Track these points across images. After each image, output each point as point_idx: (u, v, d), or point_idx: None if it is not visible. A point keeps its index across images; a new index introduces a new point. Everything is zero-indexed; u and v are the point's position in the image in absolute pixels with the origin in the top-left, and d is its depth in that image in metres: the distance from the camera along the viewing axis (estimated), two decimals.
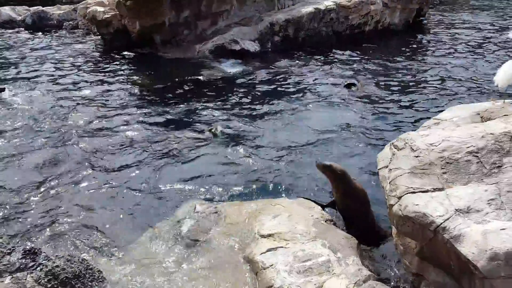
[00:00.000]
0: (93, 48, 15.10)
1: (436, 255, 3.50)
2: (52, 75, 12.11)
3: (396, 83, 11.29)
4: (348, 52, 14.01)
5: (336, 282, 3.84)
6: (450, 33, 16.74)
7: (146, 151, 7.82)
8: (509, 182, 3.58)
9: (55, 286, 3.99)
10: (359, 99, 10.13)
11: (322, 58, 13.42)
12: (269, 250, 4.49)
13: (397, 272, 4.48)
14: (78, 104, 10.01)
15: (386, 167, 4.40)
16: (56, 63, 13.27)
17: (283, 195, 6.31)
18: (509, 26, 17.13)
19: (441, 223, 3.37)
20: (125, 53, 14.00)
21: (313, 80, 11.55)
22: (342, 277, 3.87)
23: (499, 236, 3.11)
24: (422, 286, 3.72)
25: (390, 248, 4.85)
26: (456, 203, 3.49)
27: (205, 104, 9.99)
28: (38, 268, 4.08)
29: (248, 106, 9.95)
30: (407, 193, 3.78)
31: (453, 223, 3.33)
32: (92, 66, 13.00)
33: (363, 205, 5.21)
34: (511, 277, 3.01)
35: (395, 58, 13.54)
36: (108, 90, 10.96)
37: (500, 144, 3.95)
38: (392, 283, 4.27)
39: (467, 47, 14.56)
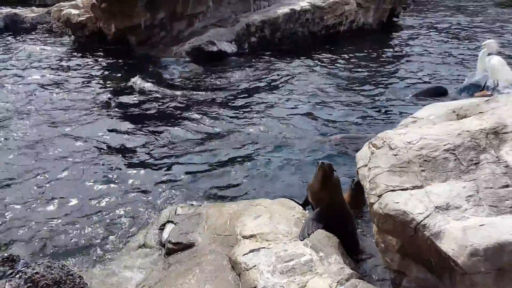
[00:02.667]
0: (66, 50, 14.80)
1: (417, 252, 3.55)
2: (22, 76, 11.82)
3: (372, 83, 11.46)
4: (324, 52, 14.15)
5: (319, 282, 3.84)
6: (423, 32, 17.11)
7: (122, 155, 7.73)
8: (486, 179, 3.65)
9: None
10: (334, 101, 10.21)
11: (299, 59, 13.49)
12: (251, 251, 4.46)
13: (378, 269, 4.53)
14: (46, 104, 9.84)
15: (366, 166, 4.44)
16: (27, 66, 12.95)
17: (264, 195, 6.31)
18: (481, 26, 17.53)
19: (421, 221, 3.42)
20: (98, 57, 13.71)
21: (289, 80, 11.61)
22: (325, 276, 3.88)
23: (478, 232, 3.17)
24: (404, 283, 3.76)
25: (371, 246, 4.91)
26: (435, 200, 3.55)
27: (182, 106, 9.92)
28: (17, 276, 3.97)
29: (223, 106, 9.92)
30: (387, 191, 3.82)
31: (433, 220, 3.38)
32: (65, 68, 12.75)
33: (344, 213, 5.06)
34: (490, 272, 3.08)
35: (370, 57, 13.75)
36: (82, 92, 10.79)
37: (476, 141, 4.03)
38: (374, 281, 4.31)
39: (440, 47, 14.90)
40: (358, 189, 5.64)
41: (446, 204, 3.50)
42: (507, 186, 3.56)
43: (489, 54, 4.92)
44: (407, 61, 13.43)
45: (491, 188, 3.57)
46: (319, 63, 13.11)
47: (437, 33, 16.91)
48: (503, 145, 3.96)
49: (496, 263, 3.07)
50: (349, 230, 5.00)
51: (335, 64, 12.99)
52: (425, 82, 11.24)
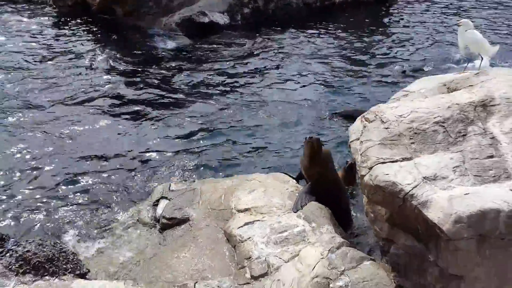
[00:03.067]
0: (49, 22, 14.09)
1: (405, 221, 3.69)
2: (4, 51, 11.38)
3: (366, 56, 11.42)
4: (318, 24, 14.00)
5: (311, 250, 3.99)
6: (420, 4, 16.90)
7: (113, 132, 7.65)
8: (473, 150, 3.78)
9: (28, 271, 3.91)
10: (329, 73, 10.22)
11: (293, 31, 13.36)
12: (246, 224, 4.59)
13: (368, 238, 4.69)
14: (35, 79, 9.54)
15: (358, 139, 4.54)
16: (8, 38, 12.37)
17: (258, 170, 6.39)
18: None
19: (410, 191, 3.56)
20: (81, 29, 13.17)
21: (283, 54, 11.53)
22: (317, 245, 4.03)
23: (463, 201, 3.31)
24: (392, 250, 3.92)
25: (361, 216, 5.06)
26: (424, 172, 3.68)
27: (172, 81, 9.84)
28: (8, 254, 3.96)
29: (216, 81, 9.85)
30: (377, 164, 3.94)
31: (421, 190, 3.52)
32: (49, 41, 12.19)
33: (337, 190, 5.17)
34: (473, 238, 3.24)
35: (365, 30, 13.63)
36: (67, 67, 10.40)
37: (465, 113, 4.14)
38: (364, 249, 4.47)
39: (439, 18, 14.77)
40: (351, 170, 5.81)
41: (434, 175, 3.63)
42: (491, 156, 3.69)
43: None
44: (403, 33, 13.33)
45: (476, 158, 3.70)
46: (314, 35, 13.00)
47: (435, 4, 16.73)
48: (490, 117, 4.08)
49: (478, 229, 3.23)
50: (342, 205, 5.11)
51: (330, 37, 12.89)
52: (419, 57, 11.21)
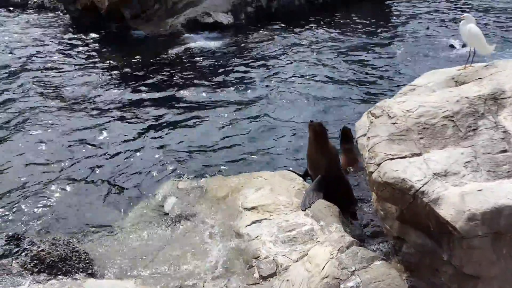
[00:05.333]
0: (60, 27, 14.48)
1: (416, 218, 3.60)
2: (18, 58, 11.60)
3: (370, 51, 11.33)
4: (321, 21, 13.94)
5: (320, 250, 3.92)
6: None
7: (122, 130, 7.71)
8: (484, 144, 3.67)
9: (42, 270, 3.98)
10: (333, 69, 10.14)
11: (296, 28, 13.30)
12: (254, 222, 4.54)
13: (378, 236, 4.61)
14: (46, 87, 9.67)
15: (365, 135, 4.46)
16: (21, 45, 12.63)
17: (265, 168, 6.34)
18: None
19: (420, 187, 3.46)
20: (93, 35, 13.46)
21: (286, 50, 11.48)
22: (326, 244, 3.95)
23: (476, 197, 3.21)
24: (403, 249, 3.83)
25: (370, 214, 4.98)
26: (434, 167, 3.58)
27: (181, 81, 9.86)
28: (23, 254, 4.06)
29: (222, 80, 9.84)
30: (386, 160, 3.85)
31: (432, 187, 3.42)
32: (60, 48, 12.46)
33: (344, 184, 5.16)
34: (487, 236, 3.14)
35: (368, 24, 13.55)
36: (78, 73, 10.57)
37: (475, 107, 4.03)
38: (374, 247, 4.39)
39: (441, 11, 14.65)
40: (347, 140, 5.91)
41: (445, 171, 3.53)
42: (505, 151, 3.58)
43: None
44: (407, 27, 13.24)
45: (489, 153, 3.60)
46: (317, 32, 12.94)
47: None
48: (501, 110, 3.97)
49: (493, 226, 3.13)
50: (351, 200, 5.09)
51: (333, 33, 12.82)
52: (431, 50, 11.09)
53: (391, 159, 3.83)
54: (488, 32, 11.63)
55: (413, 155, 3.81)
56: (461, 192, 3.29)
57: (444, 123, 3.99)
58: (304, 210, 4.55)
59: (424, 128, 4.01)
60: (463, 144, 3.78)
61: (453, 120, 3.99)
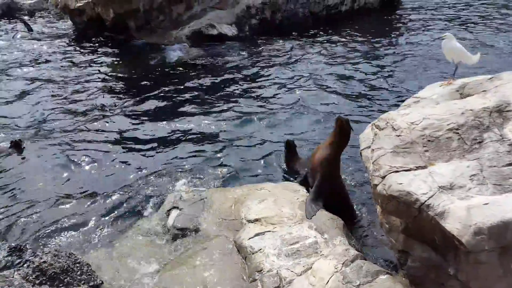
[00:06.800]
0: (66, 38, 14.66)
1: (421, 232, 3.57)
2: (25, 68, 11.73)
3: (373, 63, 11.36)
4: (325, 33, 13.99)
5: (324, 263, 3.88)
6: (425, 10, 16.85)
7: (124, 142, 7.72)
8: (490, 157, 3.64)
9: (44, 282, 3.95)
10: (337, 81, 10.15)
11: (300, 41, 13.35)
12: (257, 234, 4.51)
13: (383, 250, 4.56)
14: (54, 97, 9.76)
15: (369, 147, 4.44)
16: (25, 56, 12.71)
17: (268, 179, 6.32)
18: (492, 4, 17.19)
19: (425, 201, 3.42)
20: (98, 44, 13.60)
21: (291, 63, 11.52)
22: (330, 258, 3.91)
23: (483, 211, 3.17)
24: (409, 262, 3.79)
25: (375, 227, 4.94)
26: (439, 180, 3.55)
27: (185, 92, 9.88)
28: (25, 265, 4.02)
29: (225, 91, 9.86)
30: (390, 173, 3.82)
31: (437, 200, 3.39)
32: (66, 58, 12.61)
33: (341, 188, 5.38)
34: (494, 250, 3.10)
35: (371, 37, 13.59)
36: (83, 81, 10.68)
37: (480, 119, 4.01)
38: (379, 261, 4.34)
39: (443, 24, 14.70)
40: (290, 151, 6.58)
41: (450, 184, 3.50)
42: (511, 164, 3.55)
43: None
44: (410, 39, 13.27)
45: (495, 166, 3.56)
46: (321, 43, 12.98)
47: (442, 10, 16.65)
48: (507, 123, 3.94)
49: (500, 241, 3.09)
50: (349, 203, 5.26)
51: (337, 46, 12.86)
52: (433, 63, 11.10)
53: (396, 171, 3.81)
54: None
55: (418, 167, 3.79)
56: (467, 205, 3.25)
57: (449, 136, 3.97)
58: (310, 218, 4.58)
59: (429, 140, 3.99)
60: (469, 157, 3.75)
61: (458, 133, 3.96)
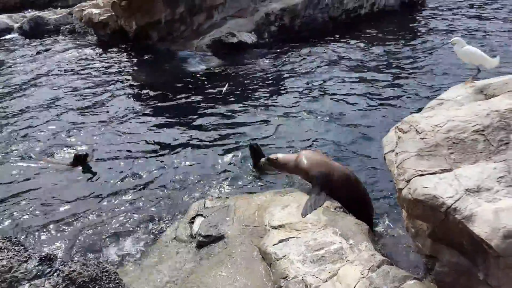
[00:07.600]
0: (91, 49, 15.03)
1: (448, 236, 3.50)
2: (53, 81, 12.08)
3: (395, 66, 11.25)
4: (345, 38, 13.92)
5: (350, 269, 3.84)
6: (447, 12, 16.59)
7: (148, 150, 7.85)
8: None
9: None
10: (358, 85, 10.09)
11: (320, 46, 13.32)
12: (281, 241, 4.49)
13: (410, 255, 4.49)
14: (83, 111, 10.00)
15: (393, 151, 4.39)
16: (54, 69, 13.19)
17: (290, 185, 6.31)
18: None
19: (452, 204, 3.37)
20: (121, 54, 13.90)
21: (311, 68, 11.50)
22: (356, 264, 3.87)
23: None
24: (436, 267, 3.72)
25: (401, 232, 4.87)
26: (466, 183, 3.48)
27: (206, 99, 9.98)
28: (55, 274, 4.07)
29: (246, 98, 9.92)
30: (415, 176, 3.78)
31: (464, 204, 3.33)
32: (93, 70, 12.94)
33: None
34: None
35: (392, 40, 13.46)
36: (110, 92, 10.95)
37: (506, 120, 3.93)
38: (406, 266, 4.28)
39: (465, 25, 14.44)
40: (256, 156, 6.70)
41: (477, 187, 3.43)
42: None
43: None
44: (431, 41, 13.09)
45: None
46: (341, 49, 12.93)
47: (463, 11, 16.36)
48: None
49: None
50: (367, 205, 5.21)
51: (357, 50, 12.79)
52: (456, 65, 10.91)
53: (421, 175, 3.76)
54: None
55: (443, 171, 3.73)
56: (495, 208, 3.18)
57: (474, 138, 3.90)
58: (304, 217, 4.67)
59: (453, 143, 3.93)
60: (495, 158, 3.67)
61: (483, 134, 3.89)
